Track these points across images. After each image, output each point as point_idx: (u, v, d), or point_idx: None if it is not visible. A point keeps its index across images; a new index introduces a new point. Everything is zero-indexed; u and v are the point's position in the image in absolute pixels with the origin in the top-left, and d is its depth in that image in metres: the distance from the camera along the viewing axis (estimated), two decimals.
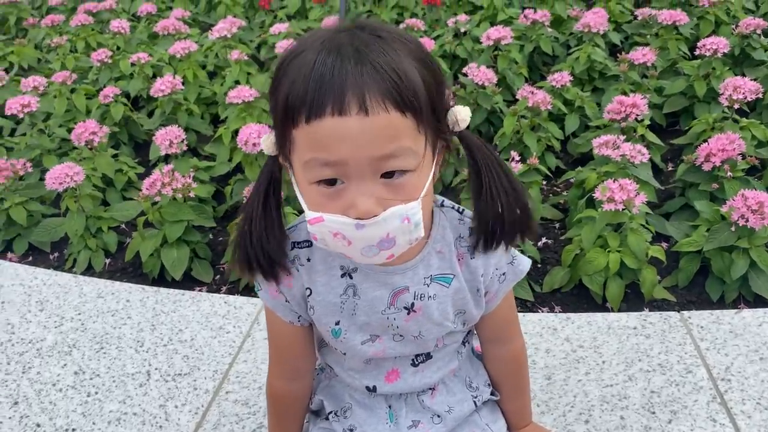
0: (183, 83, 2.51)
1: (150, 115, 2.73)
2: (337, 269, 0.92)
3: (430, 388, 1.03)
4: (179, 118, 2.49)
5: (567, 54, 2.78)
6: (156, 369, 1.50)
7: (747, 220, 1.57)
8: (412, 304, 0.92)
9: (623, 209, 1.60)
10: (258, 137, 1.94)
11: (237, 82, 2.65)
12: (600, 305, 1.65)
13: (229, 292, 1.82)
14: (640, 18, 2.92)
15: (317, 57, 0.74)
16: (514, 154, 1.88)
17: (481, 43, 2.65)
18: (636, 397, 1.32)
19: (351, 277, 0.92)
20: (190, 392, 1.43)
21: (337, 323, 0.94)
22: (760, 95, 2.04)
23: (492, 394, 1.10)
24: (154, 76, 2.79)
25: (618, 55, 2.52)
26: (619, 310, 1.61)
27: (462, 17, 2.94)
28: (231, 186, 2.11)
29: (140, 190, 1.88)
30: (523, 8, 3.01)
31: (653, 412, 1.29)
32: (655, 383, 1.35)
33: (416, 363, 1.01)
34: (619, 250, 1.61)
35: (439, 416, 1.03)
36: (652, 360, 1.41)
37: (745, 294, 1.64)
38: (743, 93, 2.00)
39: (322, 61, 0.73)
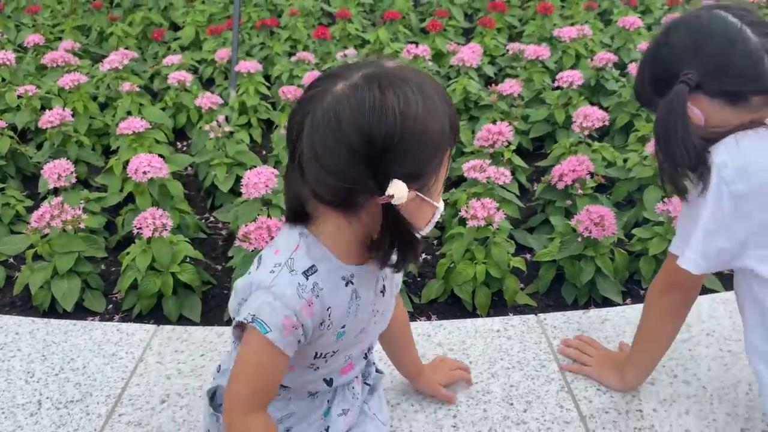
0: (73, 115, 2.52)
1: (39, 147, 2.71)
2: (340, 280, 1.00)
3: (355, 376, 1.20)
4: (69, 149, 2.50)
5: (446, 86, 3.02)
6: (47, 398, 1.52)
7: (590, 232, 1.80)
8: (384, 287, 1.09)
9: (486, 225, 1.79)
10: (148, 166, 2.00)
11: (129, 113, 2.68)
12: (471, 312, 1.84)
13: (122, 320, 1.87)
14: (510, 52, 3.22)
15: (431, 82, 0.92)
16: None
17: None
18: (497, 392, 1.49)
19: (352, 283, 1.02)
20: (83, 417, 1.47)
21: (343, 327, 1.04)
22: (607, 122, 2.33)
23: (377, 371, 1.30)
24: (43, 108, 2.78)
25: (492, 85, 2.77)
26: (488, 316, 1.80)
27: (351, 51, 3.13)
28: (122, 216, 2.15)
29: (29, 223, 1.89)
30: (407, 43, 3.23)
31: (512, 404, 1.46)
32: (514, 378, 1.53)
33: (366, 355, 1.18)
34: (485, 262, 1.81)
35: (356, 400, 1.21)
36: (512, 358, 1.59)
37: (595, 297, 1.87)
38: (592, 121, 2.28)
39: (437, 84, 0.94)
